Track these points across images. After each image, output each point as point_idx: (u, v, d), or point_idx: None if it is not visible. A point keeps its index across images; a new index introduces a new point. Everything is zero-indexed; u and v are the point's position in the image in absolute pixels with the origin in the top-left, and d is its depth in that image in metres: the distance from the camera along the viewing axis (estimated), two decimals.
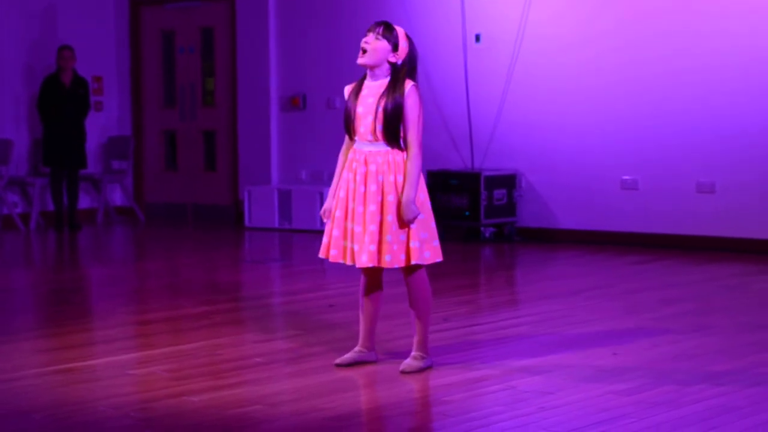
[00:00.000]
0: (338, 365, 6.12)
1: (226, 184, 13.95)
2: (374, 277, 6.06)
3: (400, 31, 5.95)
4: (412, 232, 5.85)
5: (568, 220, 11.56)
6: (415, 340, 6.06)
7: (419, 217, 5.85)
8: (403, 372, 5.95)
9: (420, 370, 5.97)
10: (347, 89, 6.03)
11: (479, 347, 6.67)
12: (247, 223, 13.01)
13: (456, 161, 12.14)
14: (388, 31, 5.91)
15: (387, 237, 5.82)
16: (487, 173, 11.53)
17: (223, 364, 6.25)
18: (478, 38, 11.96)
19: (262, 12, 13.42)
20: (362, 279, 6.09)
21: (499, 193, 11.58)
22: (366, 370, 6.04)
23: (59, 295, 9.01)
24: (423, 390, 5.66)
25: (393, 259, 5.84)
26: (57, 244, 12.32)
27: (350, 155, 5.99)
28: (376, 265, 5.86)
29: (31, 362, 6.39)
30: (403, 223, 5.82)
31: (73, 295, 9.04)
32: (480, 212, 11.45)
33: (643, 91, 11.04)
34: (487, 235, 11.62)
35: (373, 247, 5.83)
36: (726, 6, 10.59)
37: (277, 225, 12.76)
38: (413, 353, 6.05)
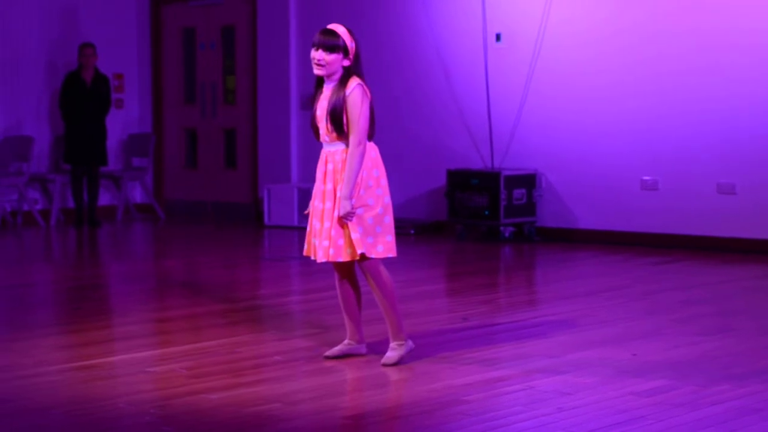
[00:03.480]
0: (327, 357, 6.28)
1: (246, 181, 13.97)
2: (344, 272, 6.24)
3: (344, 33, 6.07)
4: (351, 225, 6.01)
5: (587, 220, 11.53)
6: (389, 330, 6.21)
7: (358, 212, 6.00)
8: (384, 365, 6.09)
9: (400, 359, 6.12)
10: (314, 92, 6.26)
11: (498, 347, 6.66)
12: (266, 221, 13.02)
13: (476, 160, 12.13)
14: (334, 40, 6.04)
15: (332, 232, 6.02)
16: (507, 173, 11.52)
17: (242, 362, 6.26)
18: (498, 37, 11.94)
19: (283, 10, 13.43)
20: (336, 277, 6.29)
21: (519, 192, 11.56)
22: (383, 370, 6.04)
23: (79, 291, 9.04)
24: (441, 389, 5.65)
25: (336, 253, 6.03)
26: (77, 240, 12.36)
27: (320, 155, 6.24)
28: (327, 260, 6.06)
29: (51, 358, 6.41)
30: (359, 218, 6.00)
31: (92, 292, 9.06)
32: (500, 212, 11.43)
33: (664, 91, 11.00)
34: (506, 234, 11.60)
35: (327, 243, 6.05)
36: (749, 4, 10.55)
37: (296, 223, 12.77)
38: (390, 344, 6.19)
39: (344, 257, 6.03)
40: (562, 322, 7.36)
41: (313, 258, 6.17)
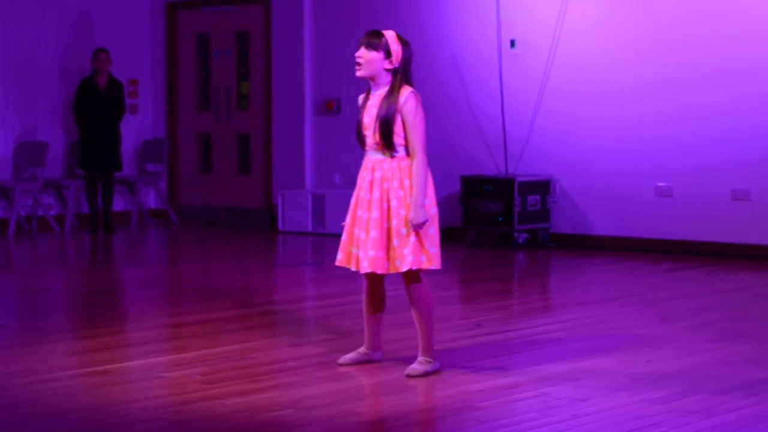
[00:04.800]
0: (341, 364, 6.24)
1: (260, 187, 13.98)
2: (376, 282, 6.17)
3: (390, 36, 6.02)
4: (422, 237, 5.94)
5: (602, 226, 11.52)
6: (420, 345, 6.12)
7: (427, 221, 5.94)
8: (408, 376, 6.01)
9: (425, 374, 6.03)
10: (360, 98, 6.16)
11: (512, 353, 6.66)
12: (280, 226, 13.03)
13: (490, 167, 12.12)
14: (376, 39, 5.99)
15: (394, 242, 5.94)
16: (521, 179, 11.51)
17: (256, 368, 6.26)
18: (513, 44, 11.94)
19: (298, 16, 13.45)
20: (365, 284, 6.21)
21: (533, 198, 11.55)
22: (397, 376, 6.03)
23: (93, 297, 9.06)
24: (455, 396, 5.65)
25: (402, 263, 5.93)
26: (91, 246, 12.38)
27: (363, 163, 6.14)
28: (378, 271, 5.97)
29: (65, 364, 6.42)
30: (411, 226, 5.91)
31: (107, 298, 9.08)
32: (513, 218, 11.43)
33: (678, 98, 10.99)
34: (520, 241, 11.59)
35: (373, 253, 5.95)
36: (764, 10, 10.54)
37: (310, 229, 12.77)
38: (419, 358, 6.11)
39: (411, 265, 5.90)
40: (575, 328, 7.35)
41: (353, 269, 6.06)
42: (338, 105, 13.26)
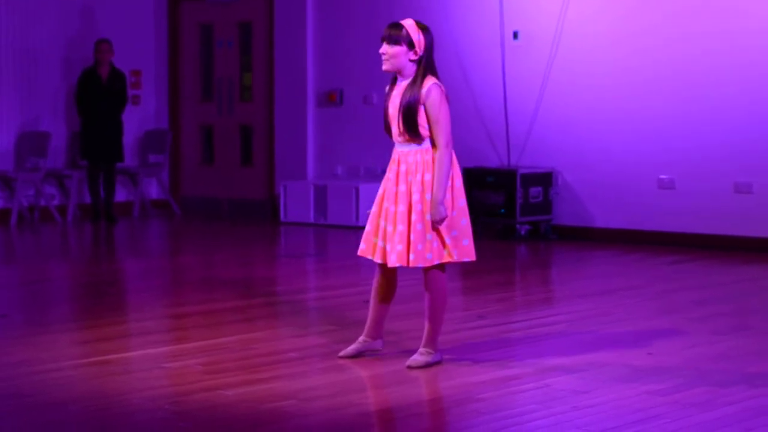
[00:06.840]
0: (342, 357, 6.20)
1: (262, 178, 13.98)
2: (390, 273, 6.12)
3: (410, 26, 5.99)
4: (441, 232, 5.90)
5: (604, 218, 11.51)
6: (425, 336, 6.11)
7: (452, 215, 5.89)
8: (409, 367, 6.00)
9: (427, 365, 6.02)
10: (387, 89, 6.13)
11: (514, 345, 6.66)
12: (282, 218, 13.03)
13: (492, 158, 12.12)
14: (397, 32, 5.95)
15: (411, 236, 5.89)
16: (524, 171, 11.51)
17: (258, 359, 6.26)
18: (516, 35, 11.93)
19: (300, 7, 13.44)
20: (377, 273, 6.16)
21: (536, 190, 11.55)
22: (399, 368, 6.03)
23: (95, 287, 9.06)
24: (456, 387, 5.65)
25: (417, 258, 5.90)
26: (93, 236, 12.39)
27: (392, 154, 6.08)
28: (404, 265, 5.91)
29: (67, 354, 6.43)
30: (430, 222, 5.89)
31: (109, 288, 9.09)
32: (516, 210, 11.42)
33: (681, 90, 10.98)
34: (522, 232, 11.59)
35: (401, 247, 5.90)
36: (766, 4, 10.52)
37: (312, 220, 12.77)
38: (420, 349, 6.10)
39: (425, 263, 5.90)
40: (577, 320, 7.35)
41: (376, 260, 6.00)
42: (340, 96, 13.25)
